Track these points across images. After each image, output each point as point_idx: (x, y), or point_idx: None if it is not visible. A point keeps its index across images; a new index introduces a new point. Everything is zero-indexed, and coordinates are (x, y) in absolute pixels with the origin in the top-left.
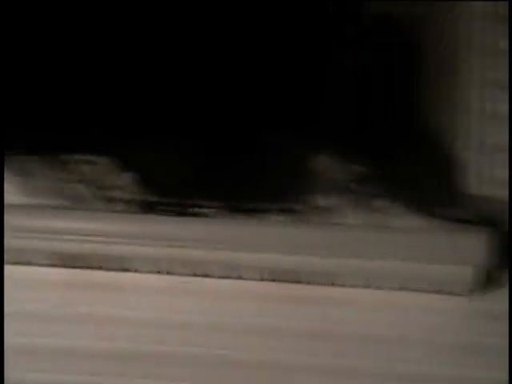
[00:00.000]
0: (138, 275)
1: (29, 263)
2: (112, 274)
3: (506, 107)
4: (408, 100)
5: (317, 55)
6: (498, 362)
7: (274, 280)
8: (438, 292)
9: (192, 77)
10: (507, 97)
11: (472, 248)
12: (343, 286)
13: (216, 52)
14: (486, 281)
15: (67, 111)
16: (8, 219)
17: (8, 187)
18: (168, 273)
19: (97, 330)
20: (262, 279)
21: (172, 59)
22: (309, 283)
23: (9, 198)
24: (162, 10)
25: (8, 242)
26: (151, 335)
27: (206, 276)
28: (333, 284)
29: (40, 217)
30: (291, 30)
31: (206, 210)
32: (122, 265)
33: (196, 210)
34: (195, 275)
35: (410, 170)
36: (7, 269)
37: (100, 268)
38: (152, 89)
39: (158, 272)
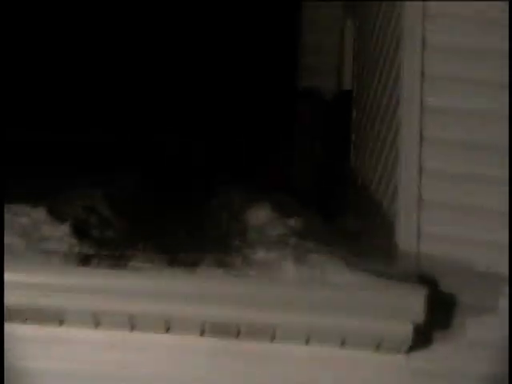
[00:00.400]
0: (73, 329)
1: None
2: (47, 327)
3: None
4: (346, 157)
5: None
6: None
7: (213, 333)
8: (377, 349)
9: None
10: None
11: (410, 305)
12: (282, 341)
13: None
14: (424, 339)
15: None
16: None
17: None
18: (104, 326)
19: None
20: (202, 334)
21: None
22: (248, 338)
23: None
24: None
25: None
26: None
27: (144, 330)
28: (272, 340)
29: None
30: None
31: (142, 263)
32: (57, 317)
33: (132, 262)
34: (133, 329)
35: (348, 225)
36: None
37: (35, 321)
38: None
39: (95, 325)
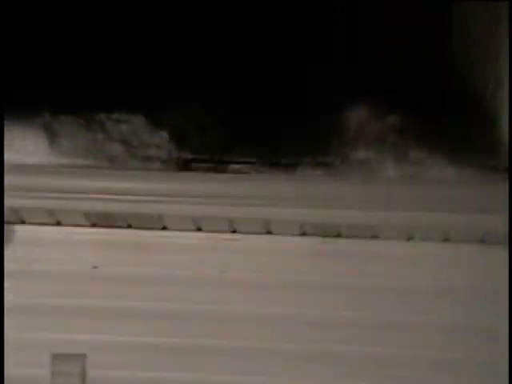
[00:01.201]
0: (175, 233)
1: (58, 223)
2: (149, 232)
3: None
4: (442, 56)
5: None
6: None
7: (314, 235)
8: (480, 243)
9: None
10: None
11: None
12: (384, 239)
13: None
14: None
15: (94, 70)
16: (35, 179)
17: (35, 147)
18: (205, 230)
19: (135, 289)
20: (302, 234)
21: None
22: (349, 237)
23: (37, 158)
24: None
25: (36, 202)
26: (187, 293)
27: (246, 233)
28: (373, 237)
29: (71, 177)
30: None
31: (242, 167)
32: (160, 223)
33: (232, 166)
34: (234, 232)
35: (447, 121)
36: (38, 229)
37: (136, 227)
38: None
39: (197, 230)
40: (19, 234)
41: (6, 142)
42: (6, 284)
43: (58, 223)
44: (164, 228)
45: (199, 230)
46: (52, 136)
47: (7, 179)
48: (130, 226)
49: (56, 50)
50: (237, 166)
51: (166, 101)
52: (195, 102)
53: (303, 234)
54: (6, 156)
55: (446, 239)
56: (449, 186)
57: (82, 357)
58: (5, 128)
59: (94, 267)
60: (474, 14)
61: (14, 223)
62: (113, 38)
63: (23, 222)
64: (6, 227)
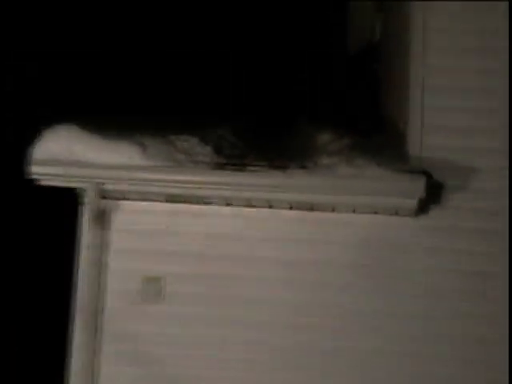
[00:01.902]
0: (216, 207)
1: (145, 200)
2: (199, 206)
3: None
4: (374, 102)
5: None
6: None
7: (297, 208)
8: (396, 214)
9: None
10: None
11: (417, 186)
12: (338, 212)
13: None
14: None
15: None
16: (133, 173)
17: (133, 154)
18: (233, 205)
19: (192, 241)
20: (290, 208)
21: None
22: (318, 210)
23: (135, 161)
24: None
25: (133, 187)
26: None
27: (258, 207)
28: (332, 211)
29: (154, 172)
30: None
31: (255, 168)
32: (206, 201)
33: (248, 167)
34: (250, 206)
35: (378, 142)
36: (133, 203)
37: (192, 203)
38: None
39: (227, 205)
40: (123, 206)
41: (116, 151)
42: (114, 237)
43: (145, 199)
44: (207, 203)
45: (228, 204)
46: (143, 148)
47: (117, 173)
48: (188, 202)
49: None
50: (251, 168)
51: (209, 127)
52: (226, 127)
53: (291, 208)
54: (118, 159)
55: (375, 212)
56: (377, 180)
57: (160, 279)
58: (131, 142)
59: (167, 227)
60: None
61: (119, 199)
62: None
63: (125, 199)
64: (114, 202)
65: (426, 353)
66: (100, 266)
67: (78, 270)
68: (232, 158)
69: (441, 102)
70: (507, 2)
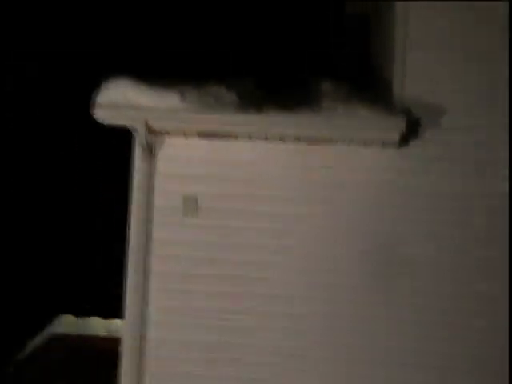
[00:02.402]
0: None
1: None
2: (226, 140)
3: None
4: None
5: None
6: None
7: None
8: (383, 146)
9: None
10: None
11: (398, 121)
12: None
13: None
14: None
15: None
16: (174, 114)
17: (174, 98)
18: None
19: (221, 168)
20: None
21: None
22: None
23: (174, 103)
24: None
25: (174, 125)
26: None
27: (272, 140)
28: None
29: (191, 112)
30: None
31: (271, 109)
32: (231, 135)
33: (266, 109)
34: (266, 140)
35: (368, 89)
36: (178, 139)
37: (221, 137)
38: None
39: (250, 139)
40: (166, 140)
41: (160, 96)
42: (159, 164)
43: (183, 135)
44: (233, 138)
45: (250, 138)
46: (181, 94)
47: (160, 113)
48: (217, 137)
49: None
50: (267, 109)
51: (234, 79)
52: (248, 79)
53: (299, 140)
54: (162, 103)
55: (365, 144)
56: (368, 118)
57: (196, 197)
58: (172, 90)
59: (201, 156)
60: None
61: (163, 134)
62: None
63: (167, 134)
64: (159, 137)
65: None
66: (149, 187)
67: (132, 189)
68: (252, 100)
69: (420, 56)
70: (507, 2)
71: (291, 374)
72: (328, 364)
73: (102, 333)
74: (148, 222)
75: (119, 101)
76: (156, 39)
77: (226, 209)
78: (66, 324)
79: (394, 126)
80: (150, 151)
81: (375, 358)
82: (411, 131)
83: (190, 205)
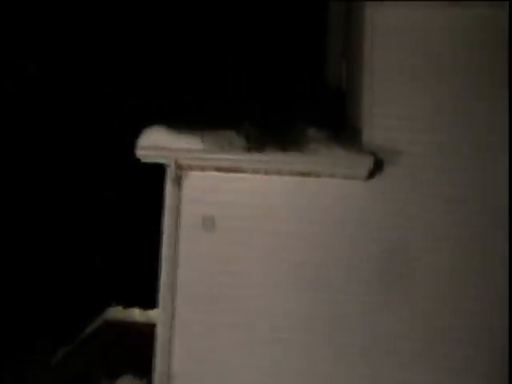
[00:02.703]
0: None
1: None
2: (236, 173)
3: None
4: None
5: None
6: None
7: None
8: (349, 178)
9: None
10: None
11: (366, 160)
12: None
13: None
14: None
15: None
16: (198, 154)
17: (197, 142)
18: (260, 173)
19: (233, 195)
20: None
21: None
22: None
23: (197, 146)
24: None
25: (197, 162)
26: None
27: (271, 174)
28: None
29: (210, 153)
30: None
31: (270, 150)
32: (240, 170)
33: (267, 150)
34: (267, 174)
35: (343, 134)
36: (199, 173)
37: (233, 171)
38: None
39: (254, 172)
40: (190, 174)
41: (186, 140)
42: (185, 192)
43: (203, 170)
44: (241, 172)
45: (254, 172)
46: (202, 138)
47: (186, 154)
48: (230, 171)
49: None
50: (268, 150)
51: (241, 125)
52: (252, 126)
53: (292, 175)
54: (187, 145)
55: (344, 178)
56: (343, 157)
57: (213, 217)
58: (194, 135)
59: (216, 187)
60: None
61: (188, 170)
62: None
63: (191, 169)
64: (185, 171)
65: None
66: (177, 210)
67: (164, 211)
68: (256, 144)
69: (384, 110)
70: (507, 2)
71: None
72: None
73: (142, 320)
74: (176, 236)
75: (156, 144)
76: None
77: (236, 226)
78: (115, 313)
79: (364, 164)
80: (178, 182)
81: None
82: (376, 168)
83: (208, 223)
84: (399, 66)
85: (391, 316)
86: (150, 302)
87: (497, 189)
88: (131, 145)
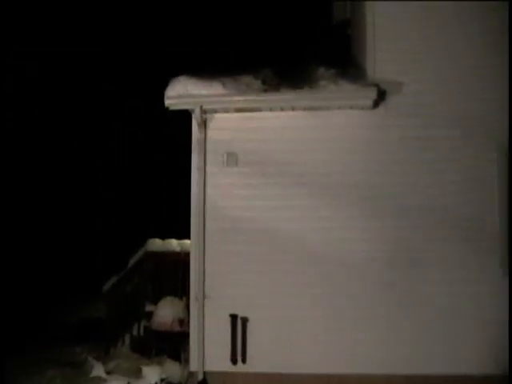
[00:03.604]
0: (269, 113)
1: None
2: (254, 113)
3: None
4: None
5: None
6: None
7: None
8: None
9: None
10: None
11: (371, 92)
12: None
13: None
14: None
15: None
16: (219, 98)
17: (219, 87)
18: (274, 110)
19: (252, 133)
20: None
21: None
22: (319, 110)
23: (219, 91)
24: None
25: (220, 106)
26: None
27: (285, 110)
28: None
29: (231, 96)
30: None
31: (285, 89)
32: (258, 109)
33: (282, 90)
34: (282, 110)
35: (349, 71)
36: (222, 115)
37: (251, 111)
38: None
39: (271, 110)
40: (214, 116)
41: (209, 87)
42: (210, 133)
43: (225, 112)
44: (259, 111)
45: (271, 110)
46: (223, 83)
47: (210, 99)
48: (248, 111)
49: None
50: (283, 90)
51: (257, 70)
52: (267, 69)
53: (304, 110)
54: (210, 91)
55: (351, 108)
56: (351, 91)
57: (236, 153)
58: (217, 81)
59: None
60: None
61: (212, 113)
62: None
63: (215, 112)
64: (209, 114)
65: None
66: (203, 148)
67: (192, 151)
68: (271, 85)
69: (386, 46)
70: (507, 2)
71: None
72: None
73: (178, 249)
74: (203, 170)
75: (182, 93)
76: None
77: (256, 159)
78: (154, 244)
79: (368, 95)
80: (203, 124)
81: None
82: (379, 98)
83: (232, 159)
84: (400, 4)
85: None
86: (183, 234)
87: (497, 109)
88: (160, 96)
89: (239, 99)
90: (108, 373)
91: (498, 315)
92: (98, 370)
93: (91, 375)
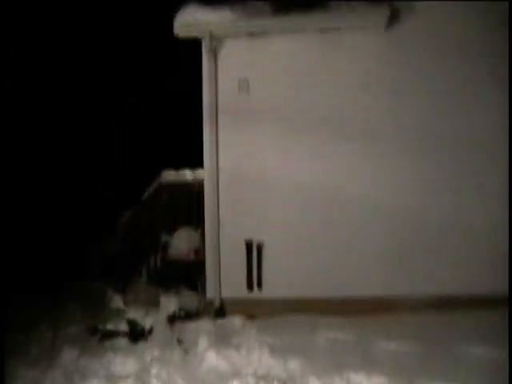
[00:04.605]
0: (279, 37)
1: (238, 36)
2: (265, 38)
3: None
4: None
5: None
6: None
7: (320, 32)
8: (366, 27)
9: None
10: None
11: (385, 10)
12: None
13: None
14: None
15: None
16: (228, 23)
17: (228, 13)
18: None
19: (262, 59)
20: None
21: None
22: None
23: (227, 17)
24: None
25: (229, 31)
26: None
27: (299, 32)
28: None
29: (240, 21)
30: None
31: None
32: (267, 33)
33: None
34: (294, 32)
35: None
36: (232, 41)
37: (261, 35)
38: None
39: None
40: (224, 42)
41: (218, 13)
42: (220, 61)
43: (235, 37)
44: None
45: (283, 33)
46: (231, 10)
47: (219, 24)
48: (259, 35)
49: None
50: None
51: None
52: None
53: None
54: (219, 18)
55: (363, 28)
56: (365, 11)
57: (248, 79)
58: (225, 8)
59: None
60: None
61: (222, 39)
62: None
63: (225, 37)
64: (219, 41)
65: None
66: (214, 77)
67: (203, 78)
68: (281, 7)
69: None
70: (507, 2)
71: None
72: None
73: (191, 179)
74: (215, 97)
75: (191, 20)
76: None
77: (267, 83)
78: (168, 175)
79: (382, 13)
80: (214, 51)
81: None
82: (393, 17)
83: (244, 85)
84: None
85: None
86: (196, 164)
87: None
88: (169, 23)
89: (249, 24)
90: (127, 304)
91: None
92: (117, 302)
93: (110, 307)
